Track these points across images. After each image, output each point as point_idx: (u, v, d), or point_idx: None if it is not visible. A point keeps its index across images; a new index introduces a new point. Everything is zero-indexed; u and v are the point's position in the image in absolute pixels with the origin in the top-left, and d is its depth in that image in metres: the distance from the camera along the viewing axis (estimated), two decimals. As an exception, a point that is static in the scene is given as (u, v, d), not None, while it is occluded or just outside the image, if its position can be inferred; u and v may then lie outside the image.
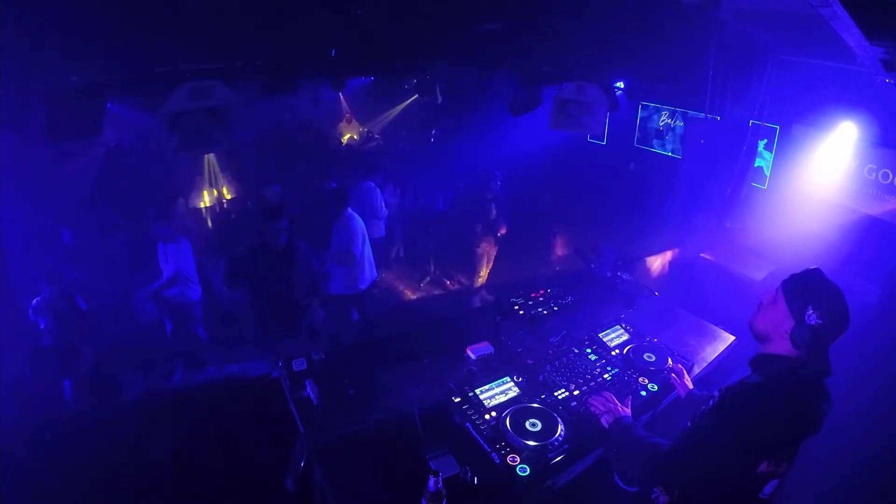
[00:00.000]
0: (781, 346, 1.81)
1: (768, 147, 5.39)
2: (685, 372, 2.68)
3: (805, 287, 1.80)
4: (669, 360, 2.83)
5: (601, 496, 2.35)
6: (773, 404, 1.70)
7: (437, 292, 7.04)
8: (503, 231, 6.45)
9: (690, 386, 2.60)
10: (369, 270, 5.31)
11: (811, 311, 1.72)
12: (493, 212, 6.34)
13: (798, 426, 1.78)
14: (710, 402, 1.82)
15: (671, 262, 5.31)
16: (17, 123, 2.90)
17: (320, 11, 3.18)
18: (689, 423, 1.89)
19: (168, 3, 2.70)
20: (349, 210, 5.02)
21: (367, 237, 5.21)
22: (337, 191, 5.15)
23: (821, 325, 1.72)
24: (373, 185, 6.34)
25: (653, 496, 1.90)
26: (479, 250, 6.56)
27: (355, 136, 10.05)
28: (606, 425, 2.24)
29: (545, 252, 7.85)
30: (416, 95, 6.43)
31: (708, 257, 5.29)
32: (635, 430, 2.12)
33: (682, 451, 1.84)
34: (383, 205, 6.41)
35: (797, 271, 1.87)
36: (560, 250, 7.82)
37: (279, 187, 6.14)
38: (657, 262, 5.22)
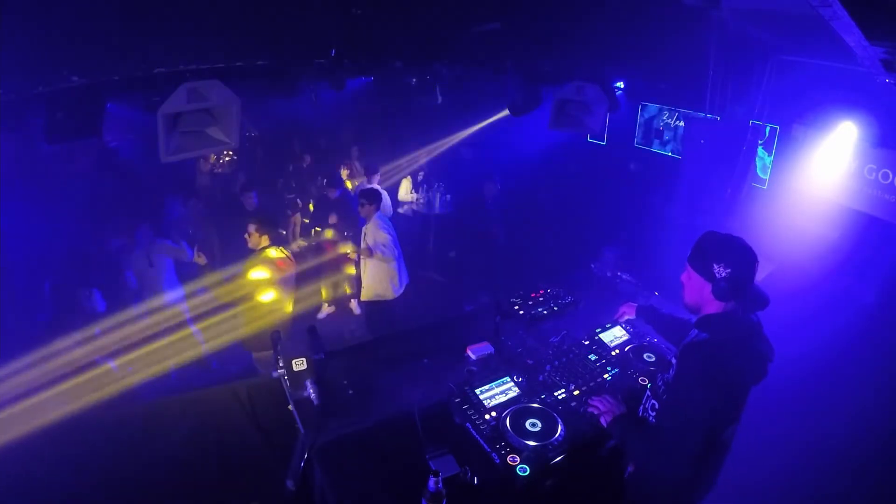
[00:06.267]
0: (712, 306, 2.03)
1: (767, 146, 5.38)
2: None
3: (704, 251, 2.03)
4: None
5: (601, 496, 2.35)
6: (726, 350, 1.93)
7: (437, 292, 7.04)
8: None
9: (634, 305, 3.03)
10: (406, 273, 5.30)
11: (717, 267, 1.95)
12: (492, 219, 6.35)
13: (752, 368, 2.01)
14: (671, 371, 2.03)
15: (671, 262, 5.30)
16: (17, 124, 2.90)
17: (320, 11, 3.18)
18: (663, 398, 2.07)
19: (168, 2, 2.70)
20: (379, 211, 5.06)
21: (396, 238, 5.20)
22: (367, 192, 5.14)
23: (731, 272, 1.94)
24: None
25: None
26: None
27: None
28: (605, 425, 2.24)
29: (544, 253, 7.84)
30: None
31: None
32: (633, 420, 2.20)
33: (666, 420, 2.03)
34: (390, 205, 6.43)
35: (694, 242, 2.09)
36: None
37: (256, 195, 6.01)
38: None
